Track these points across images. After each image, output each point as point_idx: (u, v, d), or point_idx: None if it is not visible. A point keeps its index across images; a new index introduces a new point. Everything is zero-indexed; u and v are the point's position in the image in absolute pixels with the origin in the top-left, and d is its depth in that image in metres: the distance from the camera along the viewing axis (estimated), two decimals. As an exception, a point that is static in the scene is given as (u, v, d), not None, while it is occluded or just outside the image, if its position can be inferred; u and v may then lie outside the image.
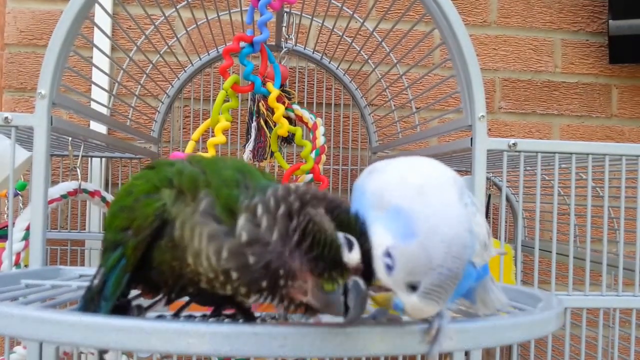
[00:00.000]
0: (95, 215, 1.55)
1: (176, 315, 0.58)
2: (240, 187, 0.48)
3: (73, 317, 0.40)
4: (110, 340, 0.40)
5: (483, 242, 0.50)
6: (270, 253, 0.44)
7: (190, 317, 0.58)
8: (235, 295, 0.47)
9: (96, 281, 0.49)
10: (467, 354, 0.81)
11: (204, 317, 0.56)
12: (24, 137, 0.93)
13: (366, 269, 0.45)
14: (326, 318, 0.66)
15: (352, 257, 0.45)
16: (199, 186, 0.48)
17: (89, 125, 1.51)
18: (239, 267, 0.45)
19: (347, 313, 0.45)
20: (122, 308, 0.50)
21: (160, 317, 0.57)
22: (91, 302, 0.49)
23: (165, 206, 0.47)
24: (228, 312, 0.57)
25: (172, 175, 0.49)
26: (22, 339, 0.78)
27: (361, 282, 0.45)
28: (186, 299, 0.57)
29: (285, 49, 1.43)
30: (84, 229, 1.55)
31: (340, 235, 0.45)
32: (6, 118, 0.81)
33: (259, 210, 0.46)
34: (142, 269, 0.48)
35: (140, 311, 0.53)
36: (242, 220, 0.46)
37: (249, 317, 0.55)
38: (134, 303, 0.54)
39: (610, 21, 1.66)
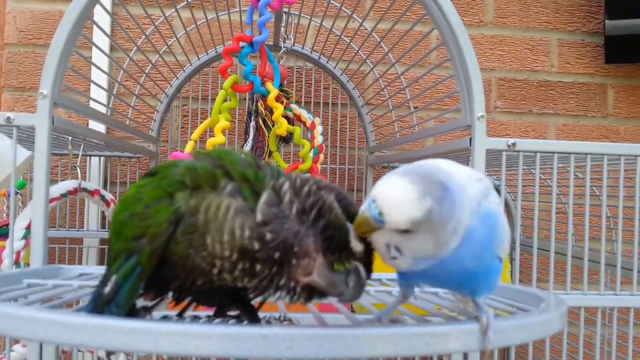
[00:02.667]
0: (93, 213, 1.56)
1: (180, 315, 0.58)
2: (263, 169, 0.51)
3: (82, 319, 0.40)
4: (119, 342, 0.40)
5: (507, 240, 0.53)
6: (287, 230, 0.47)
7: (195, 318, 0.59)
8: (240, 280, 0.48)
9: (108, 289, 0.48)
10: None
11: (209, 318, 0.57)
12: (24, 136, 0.93)
13: (366, 260, 0.50)
14: (327, 317, 0.66)
15: (358, 244, 0.48)
16: (218, 177, 0.49)
17: (87, 124, 1.51)
18: (258, 241, 0.46)
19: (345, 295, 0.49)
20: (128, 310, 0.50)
21: (165, 317, 0.57)
22: (102, 307, 0.48)
23: (180, 209, 0.48)
24: (232, 312, 0.57)
25: (181, 176, 0.49)
26: (30, 340, 0.78)
27: (362, 268, 0.49)
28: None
29: (284, 48, 1.43)
30: (82, 227, 1.55)
31: (347, 223, 0.49)
32: (8, 118, 0.80)
33: (285, 186, 0.49)
34: (154, 269, 0.48)
35: (147, 312, 0.53)
36: (264, 197, 0.48)
37: (253, 317, 0.55)
38: (139, 304, 0.54)
39: (606, 21, 1.67)
